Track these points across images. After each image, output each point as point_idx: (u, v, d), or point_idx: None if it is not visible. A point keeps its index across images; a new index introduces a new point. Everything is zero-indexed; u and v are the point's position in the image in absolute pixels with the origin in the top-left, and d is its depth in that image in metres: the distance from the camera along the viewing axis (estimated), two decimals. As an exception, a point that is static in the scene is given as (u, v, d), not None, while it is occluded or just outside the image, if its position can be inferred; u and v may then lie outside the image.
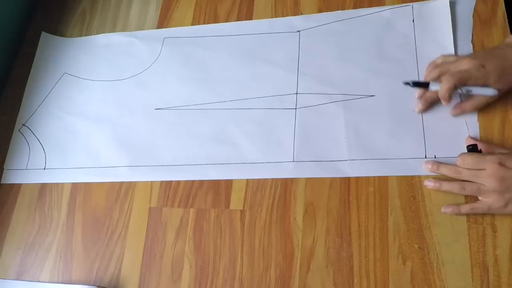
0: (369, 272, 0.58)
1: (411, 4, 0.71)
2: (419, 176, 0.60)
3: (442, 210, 0.58)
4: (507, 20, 0.66)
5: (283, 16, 0.76)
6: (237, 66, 0.75)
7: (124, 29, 0.84)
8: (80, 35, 0.85)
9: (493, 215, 0.56)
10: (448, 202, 0.58)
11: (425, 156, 0.61)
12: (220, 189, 0.67)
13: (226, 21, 0.79)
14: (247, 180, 0.66)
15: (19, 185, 0.75)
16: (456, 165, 0.58)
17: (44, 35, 0.86)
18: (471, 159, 0.57)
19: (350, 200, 0.62)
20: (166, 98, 0.75)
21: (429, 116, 0.63)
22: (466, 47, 0.66)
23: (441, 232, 0.57)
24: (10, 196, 0.74)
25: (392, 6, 0.72)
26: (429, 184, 0.59)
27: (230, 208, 0.65)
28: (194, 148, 0.70)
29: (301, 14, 0.76)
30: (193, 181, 0.68)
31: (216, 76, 0.75)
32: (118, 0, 0.87)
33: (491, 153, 0.57)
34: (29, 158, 0.76)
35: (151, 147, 0.72)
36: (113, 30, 0.84)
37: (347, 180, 0.63)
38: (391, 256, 0.58)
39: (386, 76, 0.67)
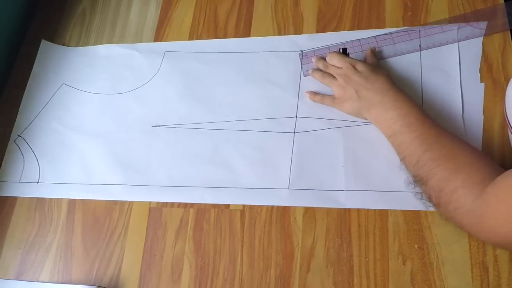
0: (369, 272, 0.58)
1: (418, 28, 0.68)
2: (419, 176, 0.60)
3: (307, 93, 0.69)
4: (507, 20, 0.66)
5: (283, 16, 0.76)
6: (237, 84, 0.73)
7: (124, 28, 0.83)
8: (80, 35, 0.85)
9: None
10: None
11: None
12: (220, 189, 0.67)
13: (226, 20, 0.79)
14: (247, 180, 0.66)
15: (19, 185, 0.75)
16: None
17: (44, 43, 0.84)
18: (336, 57, 0.67)
19: (350, 200, 0.62)
20: (164, 115, 0.73)
21: None
22: (473, 76, 0.64)
23: (441, 232, 0.57)
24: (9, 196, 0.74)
25: (399, 29, 0.69)
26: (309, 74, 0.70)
27: (230, 208, 0.65)
28: (189, 169, 0.68)
29: (301, 14, 0.76)
30: (193, 181, 0.68)
31: (216, 94, 0.73)
32: (118, 0, 0.87)
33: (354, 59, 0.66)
34: (23, 170, 0.74)
35: (146, 165, 0.70)
36: (113, 29, 0.84)
37: (347, 180, 0.63)
38: (391, 256, 0.58)
39: None
